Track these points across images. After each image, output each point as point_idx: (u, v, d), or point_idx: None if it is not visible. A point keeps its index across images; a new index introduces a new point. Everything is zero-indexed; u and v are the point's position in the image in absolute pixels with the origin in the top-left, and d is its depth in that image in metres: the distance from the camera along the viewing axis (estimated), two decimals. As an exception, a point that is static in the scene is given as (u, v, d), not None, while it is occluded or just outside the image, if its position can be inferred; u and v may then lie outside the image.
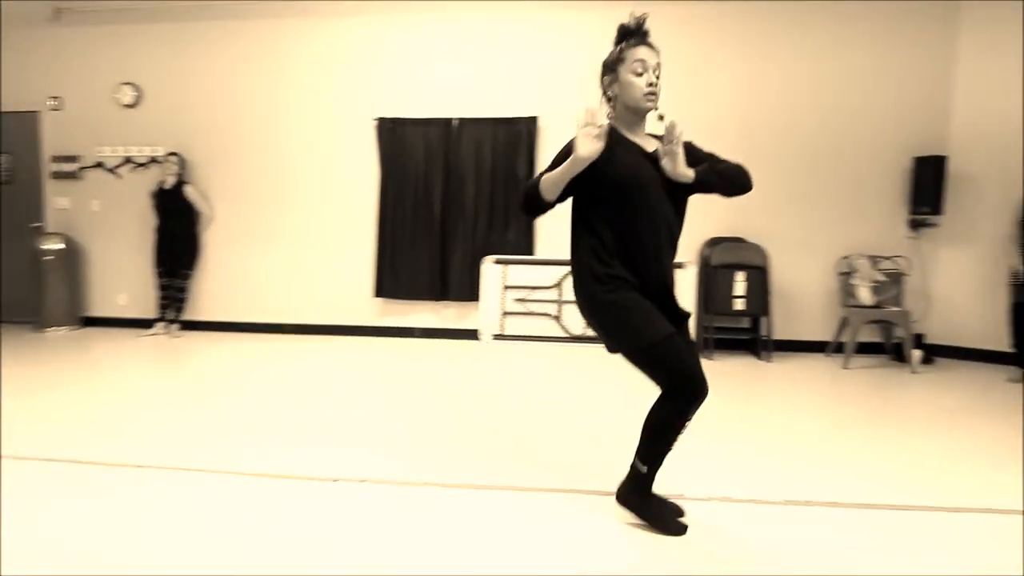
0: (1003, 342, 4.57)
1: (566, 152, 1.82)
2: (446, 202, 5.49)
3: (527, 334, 5.46)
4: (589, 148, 1.69)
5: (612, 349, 1.94)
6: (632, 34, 1.87)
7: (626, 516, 2.00)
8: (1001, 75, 4.91)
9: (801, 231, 5.24)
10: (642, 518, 1.97)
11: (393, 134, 5.49)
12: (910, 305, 5.00)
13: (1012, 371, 4.47)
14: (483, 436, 2.89)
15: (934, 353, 5.05)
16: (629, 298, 1.83)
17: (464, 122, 5.44)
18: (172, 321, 5.56)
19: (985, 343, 4.95)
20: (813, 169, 5.21)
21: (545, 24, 5.42)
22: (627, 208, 1.83)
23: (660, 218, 1.85)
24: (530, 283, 5.44)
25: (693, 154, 1.91)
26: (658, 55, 1.87)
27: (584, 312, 1.94)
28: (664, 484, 2.04)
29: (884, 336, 5.19)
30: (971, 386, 4.19)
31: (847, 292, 4.98)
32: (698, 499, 2.19)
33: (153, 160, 5.78)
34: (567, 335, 5.43)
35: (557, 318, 5.44)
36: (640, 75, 1.84)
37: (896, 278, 4.98)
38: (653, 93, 1.85)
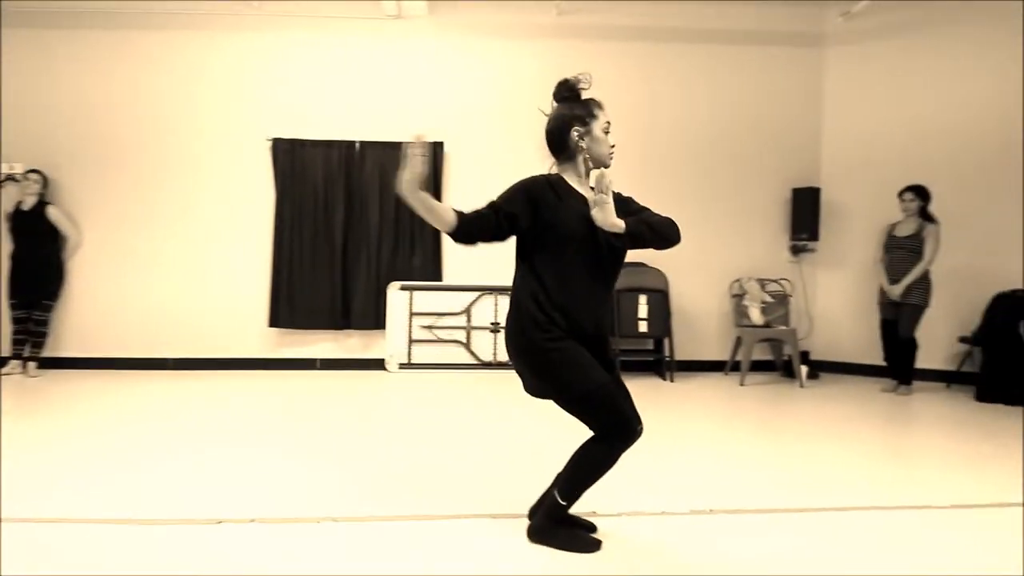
0: (877, 356, 4.99)
1: (520, 188, 1.92)
2: (348, 227, 5.31)
3: (436, 362, 5.33)
4: (413, 171, 1.75)
5: (535, 393, 1.93)
6: (576, 96, 1.97)
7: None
8: (862, 115, 5.50)
9: (697, 256, 5.52)
10: (556, 546, 1.92)
11: (291, 155, 5.26)
12: (795, 324, 5.38)
13: (885, 382, 4.88)
14: (388, 467, 2.74)
15: (819, 368, 5.44)
16: (567, 347, 1.83)
17: (367, 145, 5.32)
18: (29, 358, 4.93)
19: (862, 358, 5.40)
20: (706, 199, 5.54)
21: (452, 53, 5.47)
22: (570, 257, 1.87)
23: (599, 269, 1.90)
24: (438, 309, 5.34)
25: (625, 206, 1.96)
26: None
27: (518, 355, 1.90)
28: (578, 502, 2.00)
29: (775, 354, 5.53)
30: (852, 397, 4.53)
31: (740, 313, 5.28)
32: (609, 515, 2.17)
33: (9, 178, 5.17)
34: (477, 362, 5.35)
35: (466, 345, 5.36)
36: (607, 133, 1.97)
37: (782, 299, 5.35)
38: (612, 153, 1.99)
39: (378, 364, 5.37)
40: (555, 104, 2.01)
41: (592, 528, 2.03)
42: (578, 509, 2.03)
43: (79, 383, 4.59)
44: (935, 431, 3.65)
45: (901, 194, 4.72)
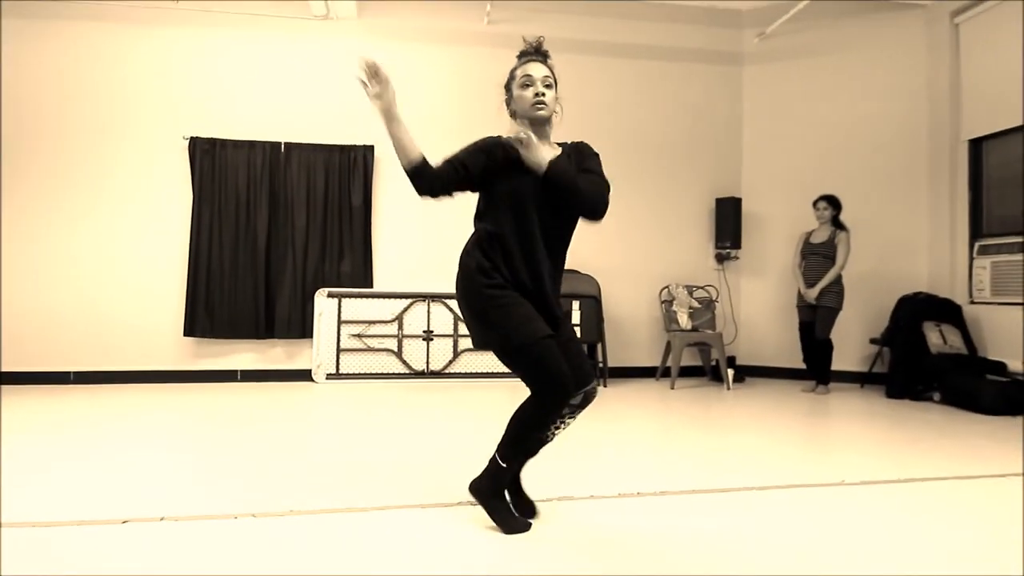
0: (797, 359, 5.28)
1: (475, 143, 2.04)
2: (272, 231, 5.17)
3: (366, 371, 5.23)
4: (374, 96, 1.97)
5: (480, 345, 1.97)
6: (524, 54, 2.06)
7: (471, 520, 1.93)
8: (778, 129, 5.88)
9: (627, 263, 5.71)
10: (488, 512, 1.94)
11: (210, 155, 5.10)
12: (721, 328, 5.62)
13: (805, 383, 5.17)
14: (310, 465, 2.66)
15: (744, 372, 5.70)
16: (508, 295, 1.89)
17: (293, 146, 5.23)
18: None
19: (783, 361, 5.70)
20: (635, 208, 5.74)
21: (387, 57, 5.47)
22: (513, 212, 1.94)
23: (541, 226, 1.94)
24: (368, 317, 5.26)
25: (580, 161, 2.01)
26: (549, 70, 2.02)
27: (462, 303, 1.97)
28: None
29: (703, 359, 5.76)
30: (774, 397, 4.77)
31: (669, 318, 5.48)
32: (541, 500, 2.19)
33: None
34: (409, 371, 5.29)
35: (398, 353, 5.30)
36: (527, 87, 1.99)
37: (708, 304, 5.59)
38: (541, 102, 1.97)
39: (305, 375, 5.22)
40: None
41: (532, 512, 2.04)
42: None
43: (-37, 398, 4.22)
44: (848, 423, 3.89)
45: (815, 203, 5.06)
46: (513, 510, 1.99)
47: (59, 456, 2.77)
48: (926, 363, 4.65)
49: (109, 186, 5.06)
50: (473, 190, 2.07)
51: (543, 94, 1.98)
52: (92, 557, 1.72)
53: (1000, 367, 4.52)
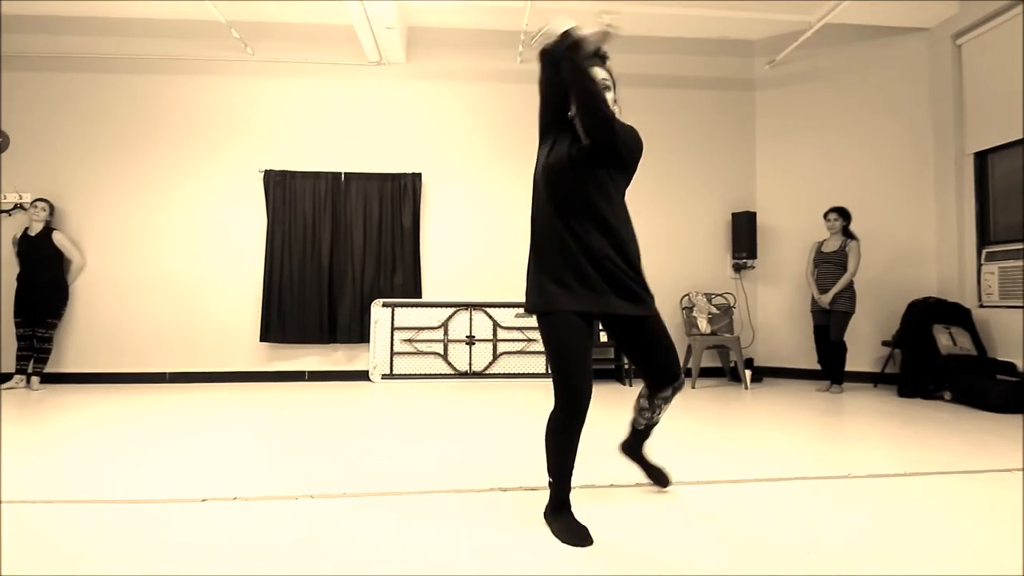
0: (812, 360, 5.11)
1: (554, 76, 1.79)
2: (334, 249, 5.33)
3: (416, 372, 5.31)
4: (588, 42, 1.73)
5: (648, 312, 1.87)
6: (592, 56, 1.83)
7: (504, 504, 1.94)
8: (789, 147, 5.74)
9: (651, 273, 5.61)
10: (552, 532, 1.74)
11: (281, 185, 5.30)
12: (739, 333, 5.49)
13: (820, 383, 4.99)
14: (368, 453, 2.73)
15: (761, 373, 5.54)
16: None
17: (351, 176, 5.39)
18: (33, 373, 4.80)
19: (799, 363, 5.52)
20: (659, 223, 5.68)
21: (427, 94, 5.61)
22: None
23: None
24: (418, 324, 5.35)
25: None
26: (608, 72, 1.90)
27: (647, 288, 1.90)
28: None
29: (722, 361, 5.63)
30: (790, 396, 4.62)
31: (690, 323, 5.38)
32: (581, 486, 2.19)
33: (18, 206, 5.12)
34: (454, 372, 5.35)
35: (444, 356, 5.36)
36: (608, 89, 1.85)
37: (726, 310, 5.47)
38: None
39: (362, 375, 5.33)
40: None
41: (664, 480, 2.16)
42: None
43: (80, 395, 4.48)
44: (860, 420, 3.73)
45: (826, 215, 4.90)
46: (571, 528, 1.73)
47: (150, 445, 2.91)
48: (936, 364, 4.43)
49: (199, 212, 5.33)
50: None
51: (613, 102, 1.85)
52: (175, 531, 1.81)
53: (1010, 367, 4.27)
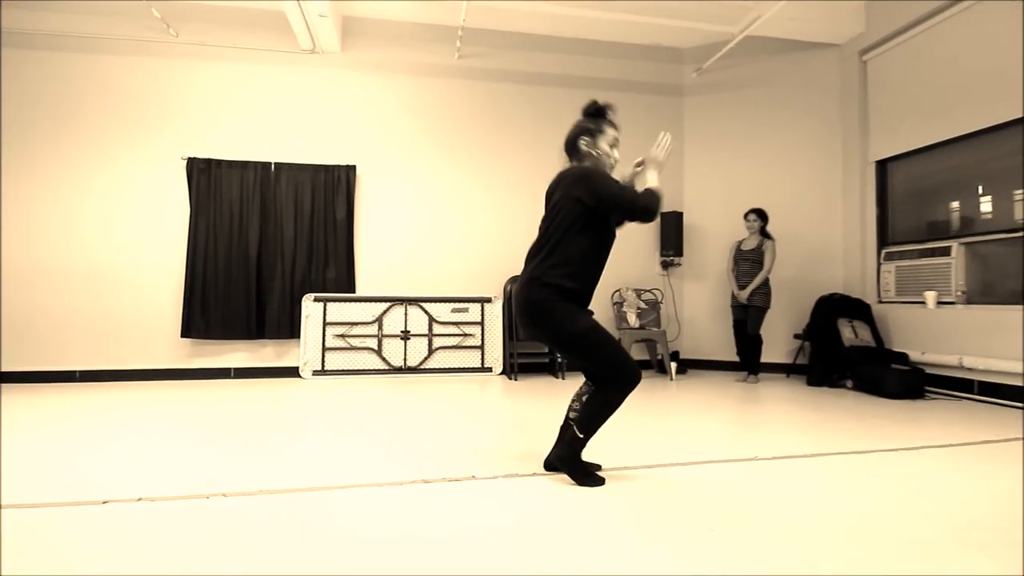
0: (732, 353, 5.36)
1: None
2: (263, 242, 5.12)
3: (349, 368, 5.19)
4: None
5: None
6: (606, 113, 2.28)
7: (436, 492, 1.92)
8: (714, 151, 5.99)
9: (584, 269, 5.74)
10: (573, 476, 2.16)
11: (206, 174, 5.03)
12: (666, 327, 5.69)
13: (738, 374, 5.25)
14: (289, 451, 2.63)
15: (686, 365, 5.77)
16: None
17: (282, 166, 5.19)
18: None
19: (720, 355, 5.78)
20: (590, 219, 5.79)
21: (363, 86, 5.47)
22: (600, 234, 2.17)
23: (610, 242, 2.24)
24: (351, 319, 5.23)
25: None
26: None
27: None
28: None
29: (650, 354, 5.81)
30: (712, 387, 4.83)
31: (620, 318, 5.52)
32: (525, 475, 2.19)
33: (-98, 191, 4.62)
34: (388, 367, 5.26)
35: (378, 351, 5.26)
36: (614, 147, 2.27)
37: (654, 305, 5.66)
38: (614, 165, 2.29)
39: (293, 372, 5.16)
40: (581, 117, 2.27)
41: (598, 467, 2.28)
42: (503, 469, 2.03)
43: (-28, 396, 4.09)
44: (773, 407, 3.95)
45: (746, 215, 5.15)
46: (590, 469, 2.21)
47: (55, 446, 2.71)
48: (840, 355, 4.75)
49: (115, 200, 4.97)
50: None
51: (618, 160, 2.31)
52: (77, 536, 1.68)
53: (903, 357, 4.64)
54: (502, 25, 5.57)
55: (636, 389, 4.60)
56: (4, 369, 4.70)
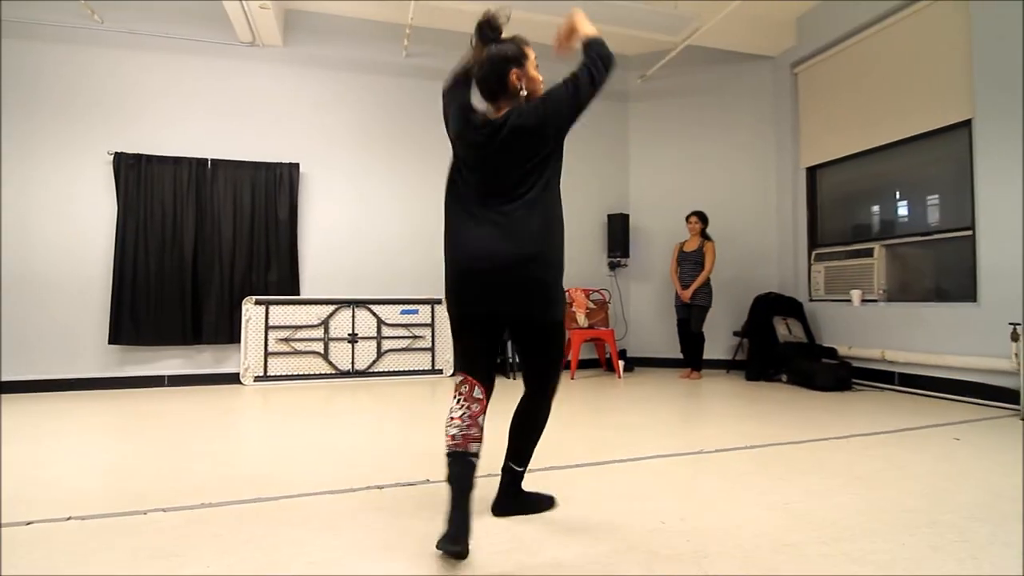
0: (676, 350, 5.55)
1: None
2: (199, 242, 4.88)
3: (293, 373, 5.02)
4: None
5: (547, 317, 1.73)
6: (521, 39, 1.85)
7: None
8: (658, 155, 6.19)
9: (533, 270, 5.79)
10: (534, 511, 1.87)
11: (135, 170, 4.75)
12: (614, 326, 5.82)
13: (682, 370, 5.43)
14: (224, 463, 2.53)
15: (633, 363, 5.92)
16: None
17: (219, 163, 4.97)
18: None
19: (665, 352, 5.97)
20: (539, 220, 5.85)
21: (306, 81, 5.32)
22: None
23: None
24: (295, 322, 5.06)
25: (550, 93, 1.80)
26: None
27: (550, 281, 1.71)
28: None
29: (598, 353, 5.93)
30: (658, 383, 4.98)
31: (569, 318, 5.61)
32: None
33: None
34: (335, 371, 5.13)
35: (324, 355, 5.12)
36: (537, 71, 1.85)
37: (602, 305, 5.78)
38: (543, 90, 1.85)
39: (233, 378, 4.94)
40: (477, 44, 1.78)
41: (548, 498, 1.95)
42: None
43: None
44: (714, 402, 4.12)
45: (688, 218, 5.35)
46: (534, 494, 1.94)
47: (-35, 464, 2.48)
48: (775, 351, 5.00)
49: (33, 197, 4.61)
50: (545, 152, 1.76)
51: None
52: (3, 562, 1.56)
53: (832, 352, 4.94)
54: (450, 25, 5.54)
55: (583, 388, 4.74)
56: (-99, 382, 4.27)
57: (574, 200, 6.00)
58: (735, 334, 5.58)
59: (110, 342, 4.61)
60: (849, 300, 4.93)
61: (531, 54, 1.81)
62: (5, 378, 4.47)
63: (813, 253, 5.44)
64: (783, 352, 4.93)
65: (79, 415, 3.62)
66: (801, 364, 4.72)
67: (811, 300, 5.42)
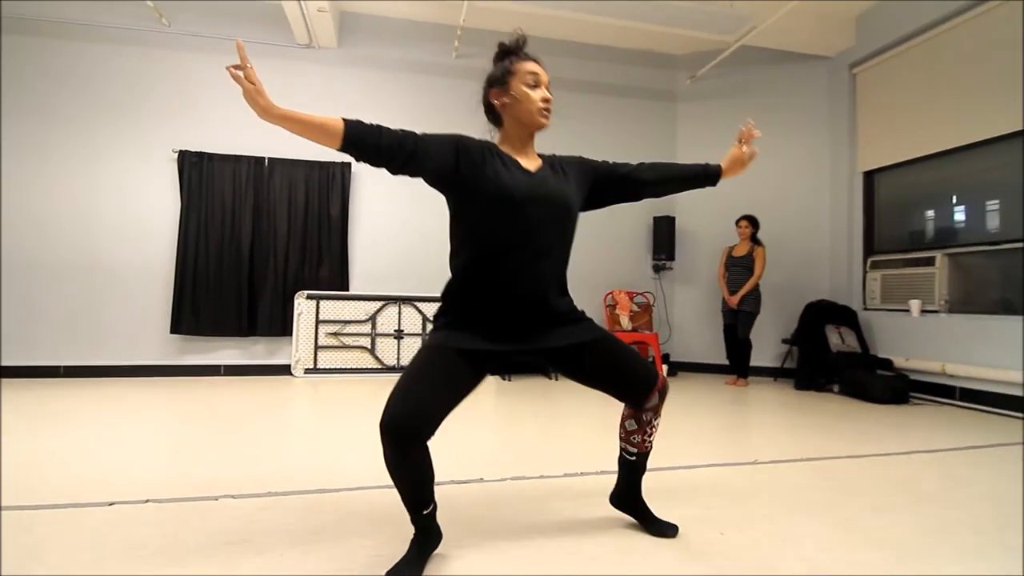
0: (722, 356, 5.44)
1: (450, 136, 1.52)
2: (256, 238, 5.05)
3: (341, 367, 5.15)
4: (245, 89, 1.38)
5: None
6: (516, 51, 1.60)
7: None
8: (706, 156, 6.05)
9: (577, 272, 5.76)
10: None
11: (198, 168, 4.95)
12: (657, 329, 5.76)
13: (728, 377, 5.33)
14: (286, 451, 2.61)
15: (676, 368, 5.84)
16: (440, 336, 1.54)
17: (276, 161, 5.13)
18: None
19: (710, 358, 5.87)
20: (585, 225, 5.81)
21: (359, 82, 5.44)
22: (496, 224, 1.50)
23: (533, 238, 1.52)
24: (344, 317, 5.19)
25: (581, 167, 1.72)
26: (546, 73, 1.59)
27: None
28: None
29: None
30: (702, 389, 4.91)
31: (613, 320, 5.58)
32: (497, 480, 2.21)
33: None
34: (381, 366, 5.23)
35: (371, 350, 5.23)
36: (535, 87, 1.55)
37: (646, 309, 5.72)
38: (548, 109, 1.57)
39: (284, 370, 5.10)
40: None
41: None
42: (465, 475, 2.04)
43: (-47, 391, 3.97)
44: (762, 411, 4.04)
45: (737, 222, 5.24)
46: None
47: (47, 444, 2.65)
48: (827, 360, 4.85)
49: (103, 193, 4.86)
50: (429, 181, 1.55)
51: (550, 99, 1.57)
52: (81, 538, 1.66)
53: (888, 363, 4.76)
54: (500, 26, 5.57)
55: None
56: (-16, 363, 4.57)
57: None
58: (784, 341, 5.44)
59: (171, 331, 4.82)
60: (907, 310, 4.74)
61: (525, 67, 1.56)
62: (75, 363, 4.73)
63: (869, 260, 5.26)
64: (835, 361, 4.78)
65: (144, 401, 3.81)
66: (855, 374, 4.57)
67: (865, 309, 5.23)
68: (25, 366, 4.63)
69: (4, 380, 4.47)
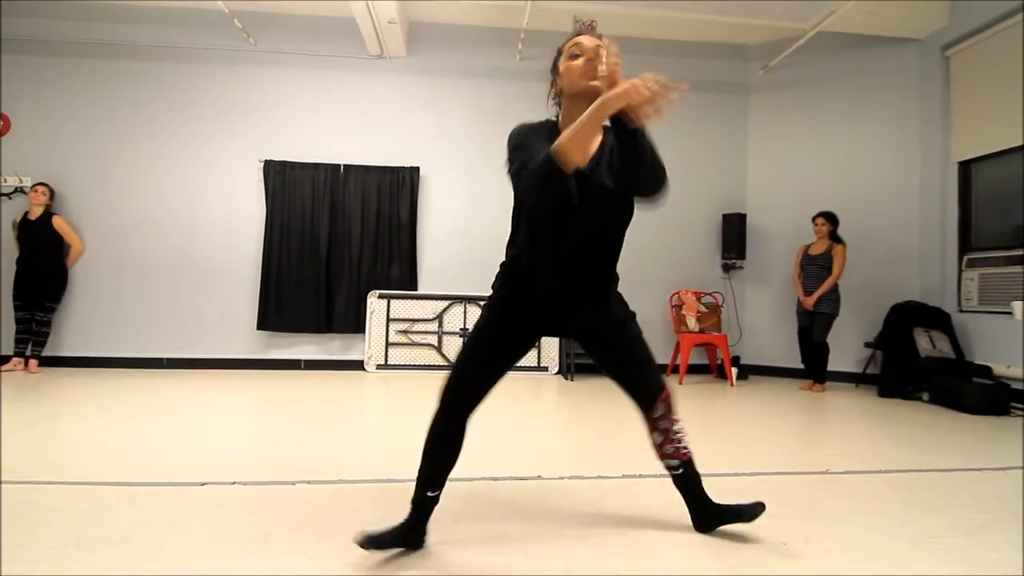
0: (796, 360, 5.18)
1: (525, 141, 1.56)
2: (332, 240, 5.35)
3: (410, 363, 5.35)
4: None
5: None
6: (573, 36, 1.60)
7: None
8: (780, 151, 5.80)
9: (643, 272, 5.68)
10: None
11: (281, 176, 5.30)
12: (727, 331, 5.56)
13: (803, 381, 5.07)
14: (360, 441, 2.76)
15: (747, 371, 5.62)
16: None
17: (350, 168, 5.40)
18: (31, 356, 4.79)
19: (783, 361, 5.60)
20: (651, 222, 5.70)
21: (428, 88, 5.61)
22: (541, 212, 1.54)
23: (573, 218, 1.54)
24: (412, 316, 5.38)
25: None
26: (601, 41, 1.51)
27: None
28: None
29: (709, 358, 5.70)
30: (774, 394, 4.70)
31: (679, 320, 5.44)
32: (558, 478, 2.23)
33: (19, 190, 5.10)
34: (448, 363, 5.38)
35: (438, 348, 5.40)
36: (576, 57, 1.53)
37: (714, 309, 5.54)
38: (591, 70, 1.49)
39: (358, 365, 5.36)
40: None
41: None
42: (525, 471, 2.08)
43: (77, 378, 4.48)
44: (840, 418, 3.82)
45: (814, 219, 4.97)
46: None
47: (148, 428, 2.94)
48: (915, 366, 4.51)
49: (198, 199, 5.32)
50: None
51: (593, 60, 1.51)
52: (176, 513, 1.84)
53: (986, 371, 4.36)
54: (563, 26, 5.56)
55: (692, 395, 4.56)
56: (97, 355, 5.11)
57: (685, 199, 5.80)
58: (867, 345, 5.10)
59: (258, 328, 5.20)
60: (1009, 312, 4.32)
61: (569, 44, 1.57)
62: (176, 356, 5.20)
63: (965, 258, 4.84)
64: (925, 367, 4.44)
65: (233, 391, 4.13)
66: (947, 382, 4.22)
67: (960, 311, 4.82)
68: (136, 357, 5.14)
69: (119, 370, 4.99)
